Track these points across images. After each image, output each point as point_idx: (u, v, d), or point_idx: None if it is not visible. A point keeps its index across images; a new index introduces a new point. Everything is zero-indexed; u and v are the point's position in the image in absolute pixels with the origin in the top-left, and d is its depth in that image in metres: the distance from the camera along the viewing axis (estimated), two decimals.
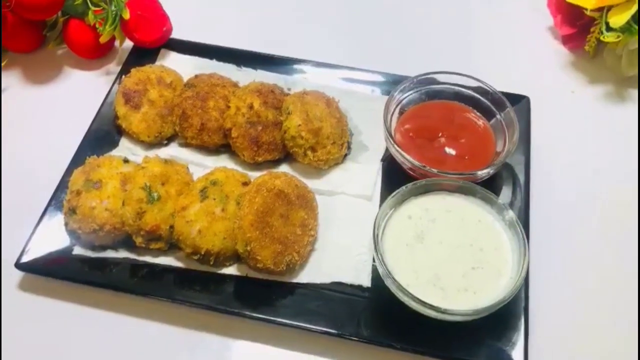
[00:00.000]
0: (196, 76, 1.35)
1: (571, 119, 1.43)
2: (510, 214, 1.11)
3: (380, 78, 1.43)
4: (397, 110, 1.30)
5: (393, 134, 1.26)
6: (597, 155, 1.37)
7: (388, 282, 1.05)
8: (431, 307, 1.01)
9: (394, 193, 1.13)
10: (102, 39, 1.40)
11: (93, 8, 1.39)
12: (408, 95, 1.31)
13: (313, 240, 1.18)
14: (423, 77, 1.31)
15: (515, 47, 1.58)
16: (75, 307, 1.14)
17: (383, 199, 1.24)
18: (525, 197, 1.24)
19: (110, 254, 1.17)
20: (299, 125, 1.24)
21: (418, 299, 1.01)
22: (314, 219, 1.18)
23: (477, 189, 1.14)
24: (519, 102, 1.36)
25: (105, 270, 1.15)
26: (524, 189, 1.26)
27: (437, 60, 1.46)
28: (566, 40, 1.55)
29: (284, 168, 1.31)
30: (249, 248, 1.09)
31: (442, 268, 1.07)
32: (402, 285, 1.03)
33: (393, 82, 1.39)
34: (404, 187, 1.13)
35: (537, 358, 1.08)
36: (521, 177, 1.28)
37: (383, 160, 1.30)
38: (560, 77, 1.51)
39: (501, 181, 1.27)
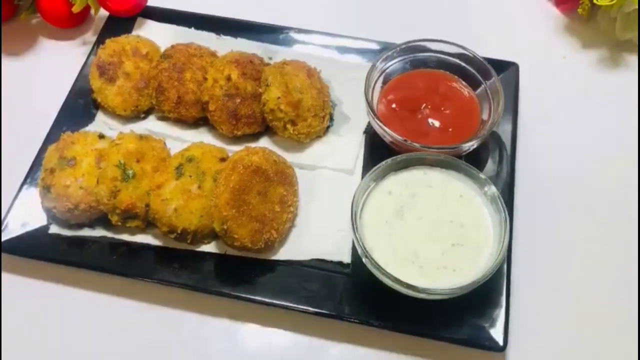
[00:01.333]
0: (173, 46, 1.30)
1: (562, 87, 1.38)
2: (492, 189, 1.08)
3: (364, 45, 1.38)
4: (380, 80, 1.26)
5: (375, 105, 1.23)
6: (589, 125, 1.32)
7: (365, 261, 1.03)
8: (408, 286, 0.99)
9: (374, 169, 1.10)
10: (75, 9, 1.35)
11: None
12: (391, 65, 1.27)
13: (293, 217, 1.16)
14: (407, 45, 1.26)
15: (504, 9, 1.51)
16: (53, 286, 1.14)
17: (365, 172, 1.21)
18: (511, 170, 1.21)
19: (87, 232, 1.15)
20: (278, 97, 1.20)
21: (395, 277, 1.00)
22: (293, 195, 1.16)
23: (459, 163, 1.11)
24: (507, 69, 1.32)
25: (82, 249, 1.14)
26: (510, 162, 1.22)
27: (423, 25, 1.41)
28: (558, 1, 1.49)
29: (264, 141, 1.28)
30: (225, 227, 1.07)
31: (421, 245, 1.05)
32: (379, 263, 1.01)
33: (377, 50, 1.35)
34: (383, 163, 1.10)
35: (518, 335, 1.07)
36: (507, 149, 1.25)
37: (365, 132, 1.27)
38: (551, 42, 1.45)
39: (486, 153, 1.24)
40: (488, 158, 1.24)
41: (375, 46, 1.37)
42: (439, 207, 1.09)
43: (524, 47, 1.42)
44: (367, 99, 1.19)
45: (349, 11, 1.51)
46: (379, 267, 1.01)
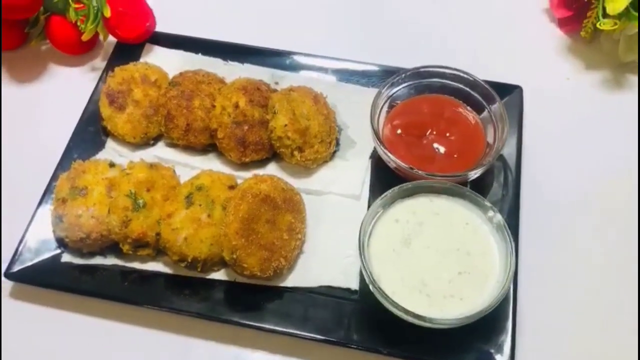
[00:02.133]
0: (181, 74, 1.32)
1: (566, 108, 1.40)
2: (498, 217, 1.09)
3: (369, 69, 1.39)
4: (386, 106, 1.27)
5: (381, 130, 1.24)
6: (593, 147, 1.33)
7: (373, 290, 1.05)
8: (416, 316, 1.00)
9: (381, 196, 1.12)
10: (85, 37, 1.37)
11: (74, 5, 1.36)
12: (397, 90, 1.28)
13: (301, 244, 1.17)
14: (411, 71, 1.28)
15: (507, 31, 1.52)
16: (65, 314, 1.15)
17: (372, 197, 1.23)
18: (516, 195, 1.23)
19: (98, 260, 1.17)
20: (285, 125, 1.22)
21: (403, 307, 1.01)
22: (301, 222, 1.18)
23: (465, 191, 1.13)
24: (511, 92, 1.33)
25: (94, 277, 1.15)
26: (514, 187, 1.24)
27: (426, 49, 1.43)
28: (562, 23, 1.51)
29: (271, 167, 1.29)
30: (235, 256, 1.09)
31: (428, 274, 1.06)
32: (386, 292, 1.03)
33: (382, 73, 1.37)
34: (390, 191, 1.12)
35: None
36: (512, 173, 1.26)
37: (372, 157, 1.28)
38: (554, 64, 1.46)
39: (491, 178, 1.25)
40: (493, 183, 1.26)
41: (380, 70, 1.38)
42: (446, 235, 1.10)
43: (527, 69, 1.43)
44: (373, 126, 1.21)
45: (354, 36, 1.52)
46: (386, 297, 1.02)
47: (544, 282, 1.17)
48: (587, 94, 1.42)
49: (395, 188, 1.12)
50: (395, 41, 1.51)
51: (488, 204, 1.11)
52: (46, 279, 1.15)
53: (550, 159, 1.32)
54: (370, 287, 1.05)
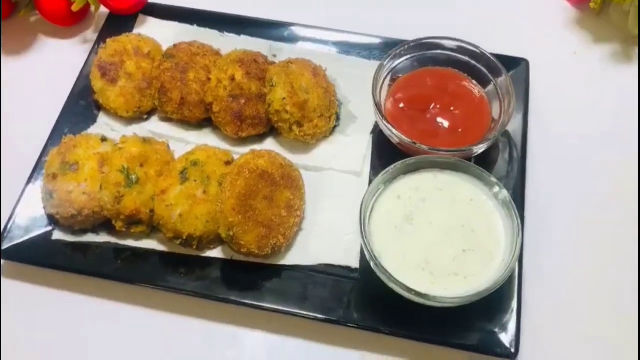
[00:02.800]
0: (175, 45, 1.27)
1: (573, 83, 1.35)
2: (504, 193, 1.06)
3: (370, 42, 1.35)
4: (388, 79, 1.23)
5: (383, 105, 1.20)
6: (601, 123, 1.29)
7: (374, 268, 1.01)
8: (419, 294, 0.97)
9: (383, 172, 1.08)
10: (75, 7, 1.32)
11: None
12: (399, 63, 1.24)
13: (300, 221, 1.14)
14: (415, 42, 1.23)
15: (512, 3, 1.48)
16: (57, 293, 1.12)
17: (373, 174, 1.19)
18: (521, 171, 1.19)
19: (91, 237, 1.13)
20: (284, 98, 1.17)
21: (405, 285, 0.98)
22: (300, 199, 1.14)
23: (470, 166, 1.09)
24: (517, 65, 1.29)
25: (86, 255, 1.12)
26: (520, 162, 1.20)
27: (429, 22, 1.37)
28: None
29: (269, 142, 1.25)
30: (231, 233, 1.05)
31: (431, 251, 1.03)
32: (388, 270, 0.99)
33: (384, 46, 1.32)
34: (392, 166, 1.08)
35: (530, 342, 1.05)
36: (518, 149, 1.22)
37: (373, 132, 1.24)
38: (562, 37, 1.42)
39: (496, 153, 1.22)
40: (498, 158, 1.22)
41: (382, 43, 1.34)
42: (450, 212, 1.06)
43: (533, 42, 1.38)
44: (375, 100, 1.16)
45: (355, 7, 1.47)
46: (388, 275, 0.99)
47: (550, 259, 1.14)
48: (596, 68, 1.37)
49: (398, 163, 1.08)
50: (398, 12, 1.45)
51: (494, 179, 1.07)
52: (37, 257, 1.11)
53: (557, 134, 1.28)
54: (372, 264, 1.02)
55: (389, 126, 1.13)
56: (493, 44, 1.24)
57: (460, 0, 1.49)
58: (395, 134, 1.13)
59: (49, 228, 1.13)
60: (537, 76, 1.30)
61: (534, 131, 1.25)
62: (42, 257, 1.11)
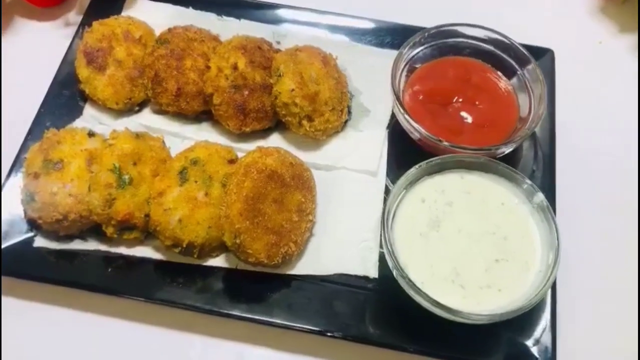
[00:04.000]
0: (170, 30, 1.15)
1: (599, 74, 1.26)
2: (540, 197, 0.96)
3: (384, 28, 1.24)
4: (406, 69, 1.12)
5: (401, 98, 1.09)
6: (629, 118, 1.20)
7: (399, 280, 0.91)
8: (449, 310, 0.87)
9: (407, 173, 0.97)
10: None
11: None
12: (418, 52, 1.13)
13: (311, 226, 1.03)
14: (436, 30, 1.13)
15: None
16: (39, 307, 1.00)
17: (391, 174, 1.09)
18: (550, 171, 1.09)
19: (77, 245, 1.02)
20: (292, 90, 1.06)
21: (434, 300, 0.88)
22: (312, 202, 1.03)
23: (500, 166, 0.99)
24: (542, 56, 1.19)
25: (72, 265, 1.00)
26: (549, 161, 1.10)
27: (446, 9, 1.27)
28: None
29: (274, 138, 1.14)
30: (238, 241, 0.94)
31: (461, 261, 0.93)
32: (415, 283, 0.89)
33: (399, 33, 1.21)
34: (417, 166, 0.97)
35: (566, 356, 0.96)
36: (545, 146, 1.12)
37: (389, 127, 1.13)
38: (586, 26, 1.32)
39: (520, 151, 1.12)
40: (521, 157, 1.12)
41: (397, 29, 1.23)
42: (479, 217, 0.97)
43: (556, 32, 1.28)
44: (394, 91, 1.06)
45: None
46: (415, 287, 0.89)
47: (585, 267, 1.05)
48: (622, 58, 1.28)
49: (423, 163, 0.98)
50: (414, 0, 1.34)
51: (528, 181, 0.97)
52: (16, 267, 0.99)
53: (586, 129, 1.18)
54: (396, 274, 0.92)
55: (411, 120, 1.03)
56: (513, 34, 1.14)
57: None
58: (417, 129, 1.02)
59: (30, 234, 1.02)
60: (561, 67, 1.20)
61: (560, 126, 1.15)
62: (23, 267, 0.99)
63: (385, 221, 0.94)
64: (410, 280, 0.89)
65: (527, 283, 0.92)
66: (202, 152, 1.01)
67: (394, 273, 0.92)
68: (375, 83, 1.17)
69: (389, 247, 0.92)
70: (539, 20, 1.32)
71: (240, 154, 1.05)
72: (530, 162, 1.12)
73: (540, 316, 0.97)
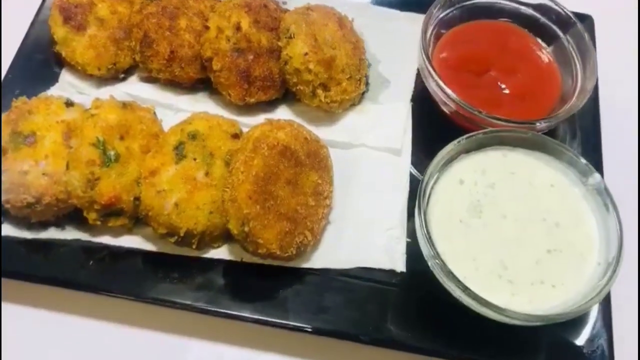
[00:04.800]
0: None
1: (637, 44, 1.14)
2: (597, 177, 0.84)
3: None
4: (434, 34, 0.98)
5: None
6: None
7: (438, 272, 0.78)
8: (497, 309, 0.74)
9: (443, 150, 0.84)
10: None
11: None
12: (447, 13, 1.00)
13: (328, 212, 0.89)
14: None
15: None
16: (8, 308, 0.85)
17: (416, 152, 0.95)
18: (596, 147, 0.97)
19: (53, 233, 0.88)
20: (306, 53, 0.92)
21: (482, 299, 0.75)
22: (329, 183, 0.89)
23: (549, 142, 0.87)
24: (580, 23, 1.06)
25: (47, 257, 0.87)
26: (594, 139, 0.98)
27: None
28: None
29: (282, 111, 1.00)
30: (246, 229, 0.80)
31: (508, 252, 0.81)
32: (459, 278, 0.76)
33: None
34: (455, 142, 0.84)
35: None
36: (587, 122, 1.00)
37: (413, 100, 1.00)
38: None
39: (558, 127, 0.98)
40: (561, 132, 0.99)
41: None
42: (526, 201, 0.84)
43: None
44: (425, 54, 0.92)
45: None
46: (458, 283, 0.75)
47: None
48: None
49: (462, 138, 0.84)
50: None
51: (583, 160, 0.85)
52: None
53: (630, 102, 1.06)
54: (433, 267, 0.79)
55: (446, 89, 0.89)
56: None
57: None
58: (453, 99, 0.89)
59: None
60: (599, 34, 1.07)
61: (604, 98, 1.02)
62: None
63: (420, 202, 0.80)
64: (452, 275, 0.76)
65: (584, 277, 0.80)
66: (202, 125, 0.87)
67: (430, 264, 0.79)
68: (395, 50, 1.04)
69: (425, 232, 0.78)
70: None
71: (243, 129, 0.90)
72: (572, 139, 0.99)
73: (591, 313, 0.85)
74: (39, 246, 0.86)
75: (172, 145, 0.85)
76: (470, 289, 0.76)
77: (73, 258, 0.86)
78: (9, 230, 0.86)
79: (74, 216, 0.87)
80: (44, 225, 0.87)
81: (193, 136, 0.85)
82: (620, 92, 1.06)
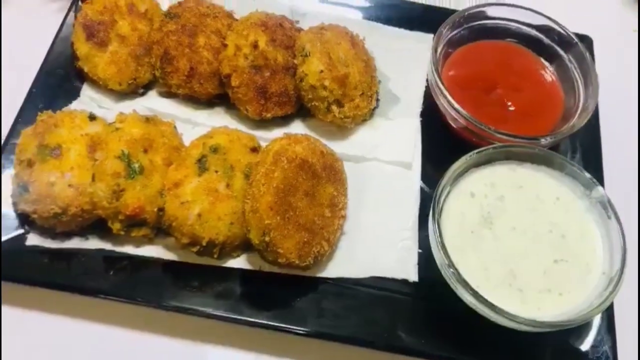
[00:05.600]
0: (180, 3, 1.03)
1: (635, 64, 1.18)
2: (600, 191, 0.87)
3: (412, 9, 1.15)
4: (443, 53, 1.02)
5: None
6: None
7: (451, 281, 0.81)
8: (509, 316, 0.78)
9: (455, 164, 0.87)
10: None
11: None
12: (455, 33, 1.03)
13: (343, 222, 0.92)
14: (474, 10, 1.03)
15: None
16: (33, 315, 0.88)
17: (427, 166, 0.99)
18: (597, 163, 1.01)
19: (77, 243, 0.90)
20: (321, 71, 0.95)
21: (495, 306, 0.78)
22: (344, 195, 0.92)
23: (555, 157, 0.91)
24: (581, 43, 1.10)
25: (70, 266, 0.88)
26: (594, 154, 1.02)
27: None
28: None
29: (296, 126, 1.03)
30: (267, 239, 0.82)
31: (518, 263, 0.84)
32: (472, 287, 0.79)
33: (428, 15, 1.13)
34: (467, 156, 0.88)
35: None
36: (588, 137, 1.03)
37: (422, 115, 1.03)
38: (619, 13, 1.25)
39: (560, 143, 1.02)
40: (563, 147, 1.03)
41: (426, 10, 1.15)
42: (534, 214, 0.88)
43: (589, 19, 1.20)
44: (436, 73, 0.96)
45: None
46: (471, 291, 0.79)
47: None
48: None
49: (472, 153, 0.88)
50: None
51: (586, 174, 0.88)
52: (5, 269, 0.86)
53: (629, 119, 1.11)
54: (447, 276, 0.82)
55: (456, 105, 0.93)
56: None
57: None
58: (463, 116, 0.92)
59: (21, 231, 0.89)
60: (597, 55, 1.11)
61: (603, 115, 1.06)
62: (13, 270, 0.87)
63: (434, 212, 0.83)
64: (466, 283, 0.79)
65: (589, 286, 0.83)
66: (223, 139, 0.90)
67: (444, 273, 0.82)
68: (404, 67, 1.08)
69: (439, 241, 0.81)
70: (570, 6, 1.22)
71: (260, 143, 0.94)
72: (574, 153, 1.03)
73: (595, 321, 0.88)
74: (63, 255, 0.87)
75: (195, 158, 0.87)
76: (483, 297, 0.79)
77: (96, 267, 0.87)
78: (35, 239, 0.88)
79: (96, 226, 0.88)
80: (67, 235, 0.88)
81: (215, 149, 0.88)
82: (620, 108, 1.10)
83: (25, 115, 0.95)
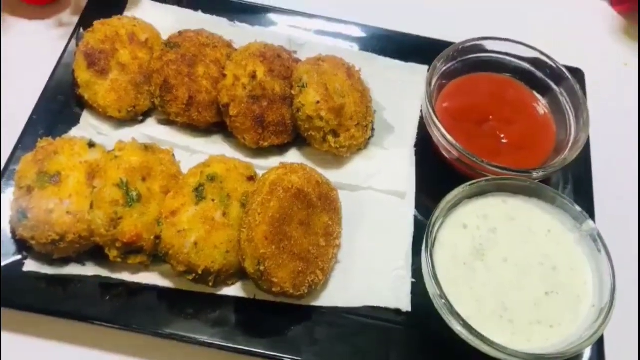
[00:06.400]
0: (180, 33, 1.05)
1: (626, 97, 1.21)
2: (590, 224, 0.89)
3: (407, 41, 1.16)
4: (437, 85, 1.04)
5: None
6: None
7: (443, 312, 0.82)
8: (499, 348, 0.79)
9: (448, 195, 0.89)
10: None
11: None
12: (449, 66, 1.05)
13: (338, 251, 0.93)
14: (468, 44, 1.05)
15: (557, 10, 1.33)
16: (29, 341, 0.88)
17: (421, 195, 1.00)
18: (588, 195, 1.02)
19: (74, 269, 0.90)
20: (318, 102, 0.97)
21: (485, 338, 0.79)
22: (338, 225, 0.93)
23: (546, 190, 0.92)
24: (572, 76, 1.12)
25: (67, 292, 0.88)
26: (586, 185, 1.04)
27: (472, 25, 1.18)
28: (615, 1, 1.32)
29: (292, 155, 1.04)
30: (262, 268, 0.83)
31: (509, 294, 0.85)
32: (463, 318, 0.80)
33: (423, 47, 1.14)
34: (460, 188, 0.89)
35: None
36: (579, 169, 1.05)
37: (417, 146, 1.05)
38: (610, 47, 1.28)
39: (553, 176, 1.04)
40: (555, 180, 1.05)
41: (421, 42, 1.15)
42: (525, 246, 0.89)
43: (579, 53, 1.22)
44: (429, 107, 0.98)
45: (390, 2, 1.28)
46: (462, 322, 0.80)
47: (630, 297, 0.97)
48: None
49: (465, 185, 0.90)
50: (436, 14, 1.26)
51: (577, 207, 0.90)
52: (3, 294, 0.86)
53: (620, 152, 1.12)
54: (439, 307, 0.83)
55: (449, 138, 0.94)
56: None
57: (500, 8, 1.31)
58: (456, 148, 0.94)
59: (19, 257, 0.90)
60: (589, 88, 1.14)
61: (594, 148, 1.08)
62: (10, 295, 0.87)
63: (427, 243, 0.85)
64: (458, 315, 0.80)
65: (579, 318, 0.85)
66: (220, 168, 0.91)
67: (436, 303, 0.84)
68: (399, 98, 1.10)
69: (432, 273, 0.83)
70: (561, 39, 1.24)
71: (258, 172, 0.95)
72: (565, 186, 1.05)
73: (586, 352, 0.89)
74: (59, 281, 0.88)
75: (192, 186, 0.88)
76: (473, 328, 0.80)
77: (92, 293, 0.88)
78: (32, 265, 0.88)
79: (93, 253, 0.89)
80: (65, 261, 0.89)
81: (212, 178, 0.89)
82: (611, 141, 1.12)
83: (26, 141, 0.97)
